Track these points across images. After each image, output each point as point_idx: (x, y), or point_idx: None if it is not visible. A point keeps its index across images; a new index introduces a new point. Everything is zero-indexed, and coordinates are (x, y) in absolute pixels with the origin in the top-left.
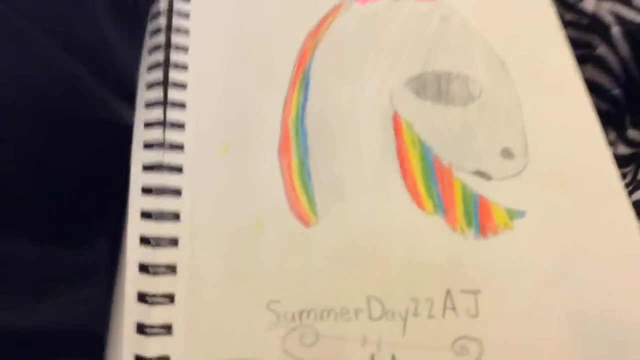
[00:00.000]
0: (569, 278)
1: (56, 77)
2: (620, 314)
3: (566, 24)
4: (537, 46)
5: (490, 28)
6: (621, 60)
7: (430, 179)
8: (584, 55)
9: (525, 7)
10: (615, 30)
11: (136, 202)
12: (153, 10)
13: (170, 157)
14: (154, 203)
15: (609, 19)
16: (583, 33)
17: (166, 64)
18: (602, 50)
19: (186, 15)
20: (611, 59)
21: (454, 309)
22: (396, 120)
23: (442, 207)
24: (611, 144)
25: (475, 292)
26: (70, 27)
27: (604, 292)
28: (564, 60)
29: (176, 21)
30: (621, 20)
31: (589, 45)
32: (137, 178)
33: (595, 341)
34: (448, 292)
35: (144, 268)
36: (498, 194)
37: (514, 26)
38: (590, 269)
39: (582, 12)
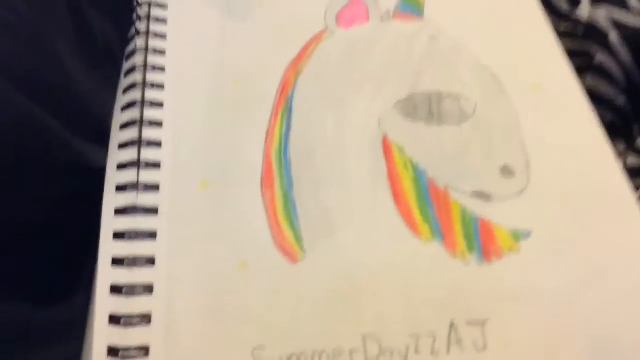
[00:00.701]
0: (583, 300)
1: (13, 119)
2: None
3: (562, 35)
4: (533, 59)
5: (482, 43)
6: (622, 66)
7: (426, 202)
8: (582, 64)
9: (517, 20)
10: (613, 36)
11: (107, 248)
12: (127, 49)
13: (144, 198)
14: (126, 248)
15: (605, 24)
16: (580, 42)
17: (141, 102)
18: (601, 57)
19: (162, 52)
20: (611, 66)
21: (459, 342)
22: (386, 144)
23: (440, 232)
24: (621, 155)
25: (482, 323)
26: (34, 72)
27: (622, 314)
28: (562, 71)
29: (152, 58)
30: (618, 25)
31: (587, 54)
32: (108, 222)
33: None
34: (452, 325)
35: (114, 319)
36: (500, 215)
37: (507, 40)
38: (605, 289)
39: (577, 21)
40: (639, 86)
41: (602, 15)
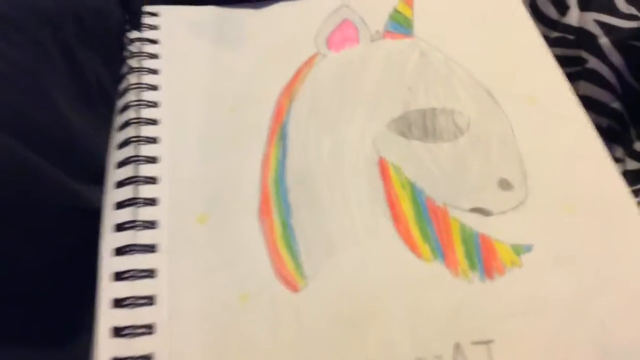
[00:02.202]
0: (591, 312)
1: (6, 167)
2: None
3: (552, 43)
4: (525, 69)
5: (474, 57)
6: (615, 70)
7: (425, 222)
8: (575, 72)
9: (508, 31)
10: (604, 41)
11: (106, 289)
12: (120, 87)
13: (142, 237)
14: (126, 289)
15: (595, 30)
16: (571, 49)
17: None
18: (593, 63)
19: (155, 88)
20: (604, 71)
21: None
22: (382, 165)
23: (441, 252)
24: (619, 160)
25: (488, 342)
26: (28, 118)
27: (632, 321)
28: (555, 79)
29: (145, 94)
30: (608, 29)
31: (579, 61)
32: (107, 263)
33: None
34: (457, 346)
35: None
36: (500, 230)
37: (498, 52)
38: (613, 298)
39: (567, 28)
40: (633, 89)
41: (592, 21)
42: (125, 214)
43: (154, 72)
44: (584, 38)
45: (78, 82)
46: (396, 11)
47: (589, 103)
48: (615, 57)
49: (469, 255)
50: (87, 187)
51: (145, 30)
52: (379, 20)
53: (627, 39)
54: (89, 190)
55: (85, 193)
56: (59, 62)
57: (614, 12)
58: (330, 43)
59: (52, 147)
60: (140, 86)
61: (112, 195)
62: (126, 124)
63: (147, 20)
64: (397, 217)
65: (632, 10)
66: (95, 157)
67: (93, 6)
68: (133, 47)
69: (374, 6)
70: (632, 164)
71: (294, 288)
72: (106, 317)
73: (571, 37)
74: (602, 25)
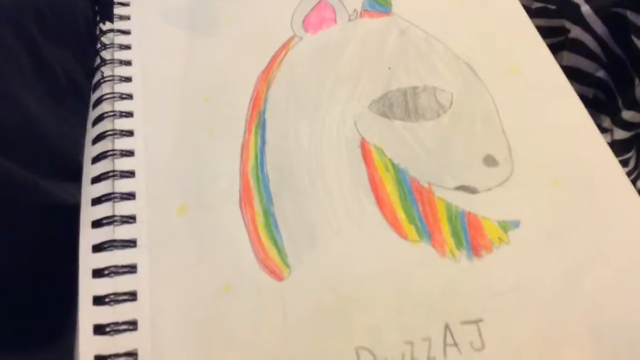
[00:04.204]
0: (582, 287)
1: None
2: None
3: (534, 13)
4: (507, 42)
5: (454, 33)
6: (598, 38)
7: (410, 203)
8: (558, 42)
9: (487, 4)
10: (586, 9)
11: (87, 287)
12: (94, 80)
13: (121, 232)
14: (106, 286)
15: None
16: (553, 19)
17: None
18: (576, 32)
19: (129, 79)
20: (587, 40)
21: (455, 345)
22: (364, 147)
23: (427, 232)
24: (607, 130)
25: (477, 322)
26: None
27: (624, 296)
28: (538, 51)
29: (119, 87)
30: None
31: (561, 31)
32: (86, 261)
33: (624, 354)
34: (446, 327)
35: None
36: (487, 207)
37: (479, 26)
38: (605, 273)
39: None
40: (617, 58)
41: None
42: (103, 210)
43: (127, 63)
44: (566, 7)
45: (46, 80)
46: None
47: (573, 73)
48: (598, 26)
49: (455, 235)
50: (63, 184)
51: (116, 20)
52: None
53: (609, 7)
54: (64, 187)
55: (58, 190)
56: (24, 61)
57: None
58: (307, 25)
59: (20, 148)
60: (113, 78)
61: (89, 191)
62: (100, 118)
63: (118, 10)
64: (381, 200)
65: None
66: (70, 154)
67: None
68: (105, 39)
69: None
70: (619, 134)
71: (278, 277)
72: (88, 315)
73: (553, 6)
74: None
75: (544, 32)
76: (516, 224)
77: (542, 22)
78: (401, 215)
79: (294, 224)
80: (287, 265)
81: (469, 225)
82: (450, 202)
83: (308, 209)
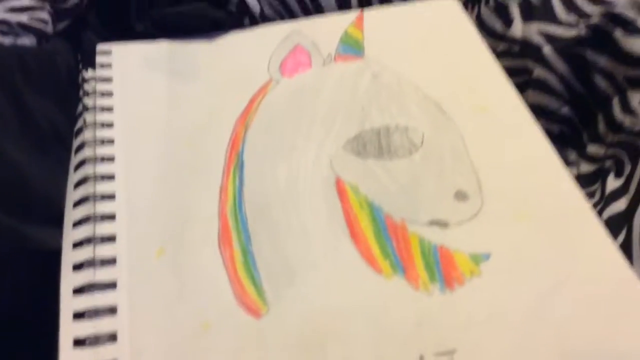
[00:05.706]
0: (551, 316)
1: None
2: (612, 342)
3: (499, 55)
4: (475, 82)
5: (424, 74)
6: (560, 77)
7: (384, 239)
8: (523, 81)
9: (456, 46)
10: (547, 50)
11: (67, 329)
12: (76, 127)
13: (102, 274)
14: (87, 328)
15: (538, 39)
16: (517, 60)
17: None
18: (539, 72)
19: (110, 125)
20: (550, 79)
21: None
22: (340, 185)
23: (401, 266)
24: (573, 164)
25: (451, 353)
26: None
27: (592, 323)
28: (503, 90)
29: (100, 132)
30: (551, 39)
31: (525, 71)
32: (67, 303)
33: None
34: (421, 358)
35: None
36: (458, 241)
37: (448, 67)
38: (572, 302)
39: (512, 40)
40: (579, 94)
41: (535, 31)
42: (84, 253)
43: (108, 109)
44: (528, 49)
45: (30, 129)
46: (347, 34)
47: (539, 111)
48: (560, 65)
49: (429, 268)
50: (49, 230)
51: (98, 68)
52: (330, 43)
53: (569, 47)
54: (47, 232)
55: (40, 235)
56: (7, 111)
57: (555, 21)
58: (283, 69)
59: (4, 197)
60: (95, 125)
61: (70, 234)
62: (82, 163)
63: (100, 58)
64: (356, 236)
65: (572, 19)
66: (53, 200)
67: (37, 49)
68: (87, 86)
69: (325, 30)
70: (585, 167)
71: (256, 314)
72: (68, 357)
73: (517, 48)
74: (545, 35)
75: (509, 72)
76: (487, 257)
77: (507, 62)
78: (376, 251)
79: (272, 262)
80: (265, 302)
81: (442, 258)
82: (423, 237)
83: (286, 247)
